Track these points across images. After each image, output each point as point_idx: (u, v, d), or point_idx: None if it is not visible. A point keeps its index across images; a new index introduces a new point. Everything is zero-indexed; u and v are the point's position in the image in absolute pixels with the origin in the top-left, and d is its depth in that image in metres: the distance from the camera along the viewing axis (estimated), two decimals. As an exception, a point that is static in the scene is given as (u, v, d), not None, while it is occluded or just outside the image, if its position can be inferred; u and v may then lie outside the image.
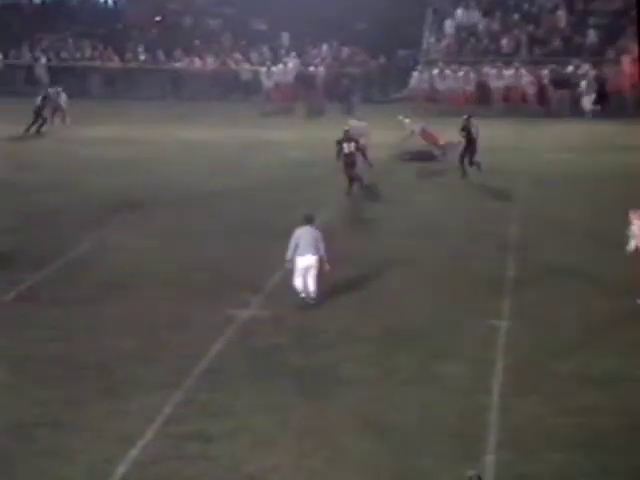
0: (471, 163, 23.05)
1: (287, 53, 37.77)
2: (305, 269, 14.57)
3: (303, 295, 14.78)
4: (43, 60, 37.84)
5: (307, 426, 11.06)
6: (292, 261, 14.60)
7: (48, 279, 16.21)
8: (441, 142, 24.74)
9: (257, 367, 12.68)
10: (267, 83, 35.67)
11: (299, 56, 37.43)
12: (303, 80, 36.02)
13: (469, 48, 35.89)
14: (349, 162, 21.47)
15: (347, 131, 21.88)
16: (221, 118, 32.02)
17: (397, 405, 11.58)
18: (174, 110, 33.85)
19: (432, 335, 13.75)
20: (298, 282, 14.68)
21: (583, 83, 32.81)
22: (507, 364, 12.75)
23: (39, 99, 29.76)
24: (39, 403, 11.59)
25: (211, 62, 37.78)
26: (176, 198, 21.40)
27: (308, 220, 14.84)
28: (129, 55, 38.62)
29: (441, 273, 16.48)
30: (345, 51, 37.62)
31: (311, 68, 36.48)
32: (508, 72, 33.78)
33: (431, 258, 17.28)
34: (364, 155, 23.05)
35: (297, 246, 14.52)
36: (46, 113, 29.88)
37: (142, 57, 38.15)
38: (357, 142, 21.68)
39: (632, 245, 14.77)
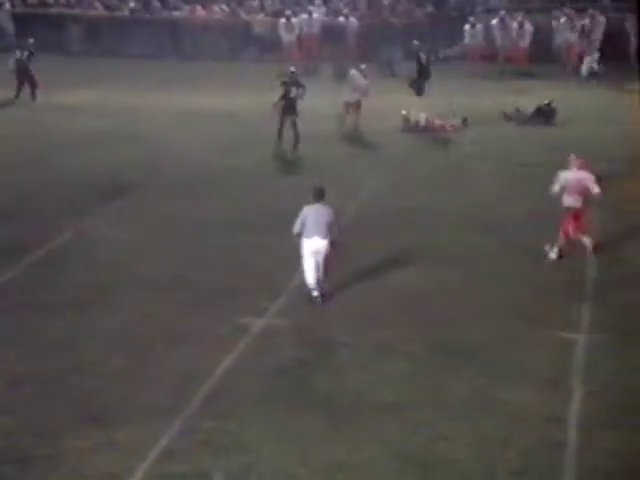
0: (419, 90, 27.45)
1: (311, 0, 37.75)
2: (314, 254, 14.89)
3: (315, 294, 15.08)
4: (7, 6, 38.01)
5: (334, 462, 11.03)
6: (298, 237, 14.97)
7: (17, 279, 16.24)
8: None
9: (273, 389, 12.68)
10: (286, 37, 35.69)
11: (326, 4, 37.42)
12: (331, 33, 36.00)
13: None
14: (291, 107, 23.76)
15: (293, 73, 24.53)
16: (230, 81, 32.04)
17: (446, 437, 11.53)
18: (173, 71, 33.94)
19: (490, 351, 13.70)
20: (310, 276, 15.03)
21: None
22: (586, 388, 12.67)
23: (23, 55, 29.36)
24: (3, 434, 11.59)
25: (218, 12, 37.82)
26: (176, 181, 21.46)
27: (318, 196, 15.14)
28: (115, 1, 38.72)
29: (501, 274, 16.41)
30: (384, -3, 37.60)
31: (341, 19, 36.44)
32: (580, 23, 33.57)
33: (488, 255, 17.22)
34: (355, 115, 25.29)
35: (304, 227, 14.85)
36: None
37: (131, 4, 38.24)
38: (304, 89, 23.95)
39: (556, 188, 16.65)
